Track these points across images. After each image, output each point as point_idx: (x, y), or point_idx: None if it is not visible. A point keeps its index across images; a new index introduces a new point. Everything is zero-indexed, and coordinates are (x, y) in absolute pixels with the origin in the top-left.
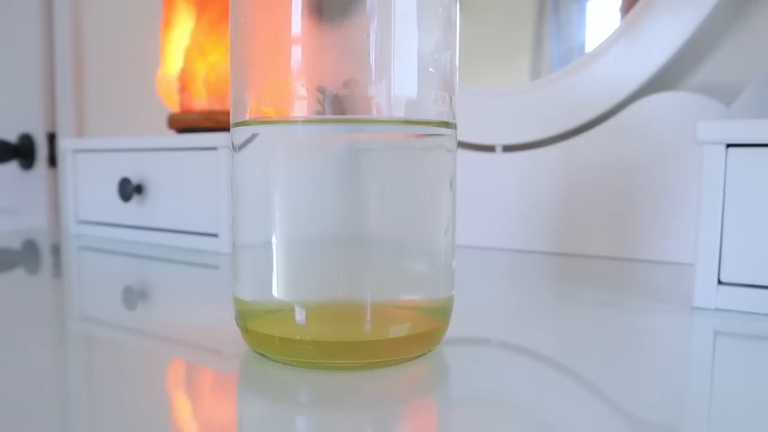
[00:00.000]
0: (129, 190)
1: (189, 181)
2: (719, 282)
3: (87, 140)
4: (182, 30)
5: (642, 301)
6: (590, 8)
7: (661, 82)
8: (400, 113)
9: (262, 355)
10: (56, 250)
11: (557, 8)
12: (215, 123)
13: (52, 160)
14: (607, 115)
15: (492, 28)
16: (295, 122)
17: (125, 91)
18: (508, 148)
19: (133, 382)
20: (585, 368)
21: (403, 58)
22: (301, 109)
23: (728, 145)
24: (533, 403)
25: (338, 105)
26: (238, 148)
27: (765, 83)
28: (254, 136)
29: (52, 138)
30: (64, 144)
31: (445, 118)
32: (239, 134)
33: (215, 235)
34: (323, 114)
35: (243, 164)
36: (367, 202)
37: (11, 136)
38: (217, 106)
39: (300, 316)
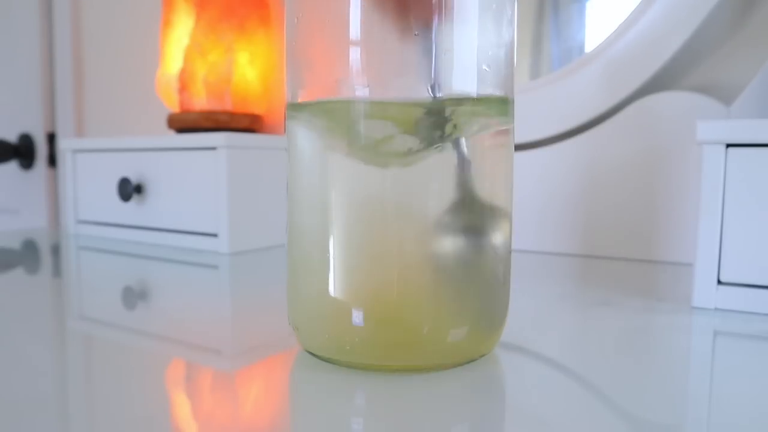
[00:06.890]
0: (128, 190)
1: (189, 181)
2: (719, 282)
3: (87, 140)
4: (182, 30)
5: (642, 301)
6: (590, 8)
7: (661, 82)
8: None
9: (315, 356)
10: (56, 250)
11: (557, 8)
12: (215, 123)
13: (52, 160)
14: (607, 115)
15: None
16: (357, 103)
17: (125, 91)
18: None
19: (132, 382)
20: (584, 368)
21: (463, 56)
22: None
23: (728, 145)
24: (532, 402)
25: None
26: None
27: (765, 83)
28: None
29: (51, 138)
30: (63, 144)
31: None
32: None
33: (215, 235)
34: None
35: (309, 164)
36: (429, 203)
37: (11, 136)
38: (216, 106)
39: (357, 317)
